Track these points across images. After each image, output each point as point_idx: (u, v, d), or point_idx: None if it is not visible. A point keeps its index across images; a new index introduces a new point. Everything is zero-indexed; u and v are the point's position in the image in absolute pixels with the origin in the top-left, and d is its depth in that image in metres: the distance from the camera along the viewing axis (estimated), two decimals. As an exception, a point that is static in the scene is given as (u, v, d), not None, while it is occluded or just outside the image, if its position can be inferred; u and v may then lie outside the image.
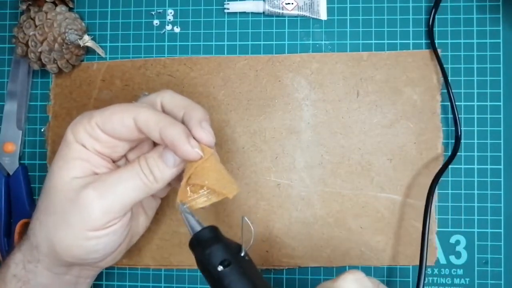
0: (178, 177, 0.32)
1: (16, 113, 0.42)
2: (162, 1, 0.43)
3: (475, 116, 0.40)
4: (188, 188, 0.30)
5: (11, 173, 0.42)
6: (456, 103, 0.39)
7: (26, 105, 0.43)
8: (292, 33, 0.42)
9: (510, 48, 0.40)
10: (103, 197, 0.30)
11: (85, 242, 0.30)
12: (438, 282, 0.40)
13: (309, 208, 0.40)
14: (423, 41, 0.41)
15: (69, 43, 0.40)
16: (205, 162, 0.30)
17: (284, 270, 0.40)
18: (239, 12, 0.42)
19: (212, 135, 0.31)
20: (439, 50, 0.40)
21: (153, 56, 0.42)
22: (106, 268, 0.37)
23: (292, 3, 0.41)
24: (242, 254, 0.30)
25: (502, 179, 0.40)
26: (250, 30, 0.42)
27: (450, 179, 0.40)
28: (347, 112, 0.41)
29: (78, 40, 0.40)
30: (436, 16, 0.41)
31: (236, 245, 0.30)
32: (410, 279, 0.40)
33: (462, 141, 0.39)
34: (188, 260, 0.41)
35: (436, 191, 0.39)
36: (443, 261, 0.40)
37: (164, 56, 0.42)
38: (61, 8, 0.40)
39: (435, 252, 0.40)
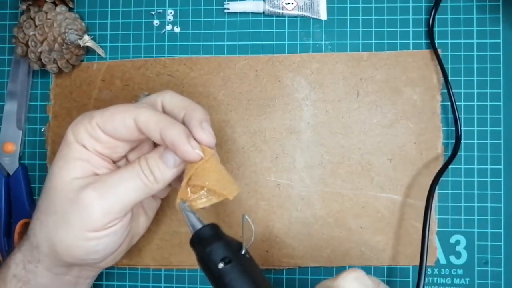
0: (179, 178, 0.32)
1: (16, 113, 0.42)
2: (162, 1, 0.43)
3: (475, 116, 0.40)
4: (188, 189, 0.30)
5: (11, 173, 0.42)
6: (456, 103, 0.39)
7: (26, 105, 0.43)
8: (292, 33, 0.42)
9: (510, 48, 0.40)
10: (104, 198, 0.30)
11: (85, 243, 0.30)
12: (438, 282, 0.40)
13: (309, 208, 0.40)
14: (423, 41, 0.41)
15: (69, 43, 0.40)
16: (206, 163, 0.30)
17: (284, 270, 0.41)
18: (239, 12, 0.42)
19: (213, 136, 0.31)
20: (439, 50, 0.40)
21: (153, 56, 0.42)
22: (106, 268, 0.37)
23: (292, 3, 0.41)
24: (243, 252, 0.30)
25: (502, 179, 0.40)
26: (250, 30, 0.42)
27: (450, 179, 0.40)
28: (347, 112, 0.41)
29: (78, 40, 0.40)
30: (436, 16, 0.41)
31: (237, 243, 0.30)
32: (410, 279, 0.40)
33: (462, 141, 0.39)
34: (188, 260, 0.41)
35: (436, 191, 0.39)
36: (443, 261, 0.40)
37: (164, 56, 0.42)
38: (61, 8, 0.40)
39: (435, 252, 0.40)
